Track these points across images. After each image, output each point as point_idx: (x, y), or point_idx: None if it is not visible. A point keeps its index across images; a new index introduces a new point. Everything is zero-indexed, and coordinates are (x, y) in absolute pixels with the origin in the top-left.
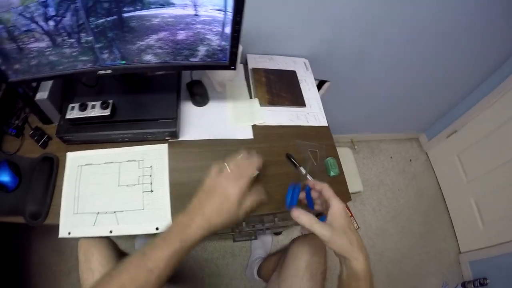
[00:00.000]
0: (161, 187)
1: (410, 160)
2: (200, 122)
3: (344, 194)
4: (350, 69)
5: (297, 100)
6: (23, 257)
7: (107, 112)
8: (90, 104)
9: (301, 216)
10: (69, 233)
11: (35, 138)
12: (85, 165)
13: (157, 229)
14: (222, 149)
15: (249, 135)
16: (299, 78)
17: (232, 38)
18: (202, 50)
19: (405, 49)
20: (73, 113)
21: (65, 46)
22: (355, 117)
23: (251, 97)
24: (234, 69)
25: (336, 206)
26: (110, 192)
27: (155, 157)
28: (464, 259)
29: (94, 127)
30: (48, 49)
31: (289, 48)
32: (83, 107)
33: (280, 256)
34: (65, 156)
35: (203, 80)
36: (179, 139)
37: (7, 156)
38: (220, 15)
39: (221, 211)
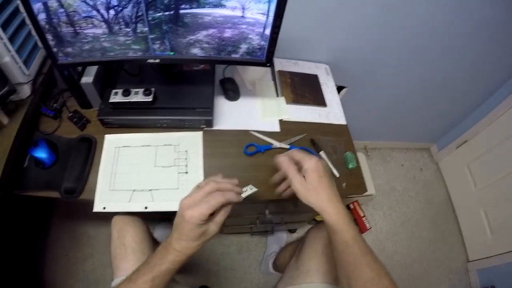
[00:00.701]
0: (196, 170)
1: (421, 169)
2: (232, 114)
3: (360, 186)
4: (365, 77)
5: (319, 100)
6: (39, 243)
7: (149, 99)
8: (133, 90)
9: (282, 159)
10: (104, 208)
11: (74, 120)
12: (123, 146)
13: None
14: (251, 138)
15: (276, 128)
16: (320, 81)
17: (271, 39)
18: (243, 47)
19: (417, 59)
20: (116, 97)
21: (120, 34)
22: (369, 124)
23: (277, 96)
24: (270, 66)
25: (308, 163)
26: (146, 172)
27: (190, 143)
28: (472, 267)
29: (135, 112)
30: (103, 36)
31: (312, 54)
32: (126, 93)
33: (297, 245)
34: (102, 138)
35: (235, 78)
36: (213, 128)
37: (45, 135)
38: (262, 18)
39: (182, 235)
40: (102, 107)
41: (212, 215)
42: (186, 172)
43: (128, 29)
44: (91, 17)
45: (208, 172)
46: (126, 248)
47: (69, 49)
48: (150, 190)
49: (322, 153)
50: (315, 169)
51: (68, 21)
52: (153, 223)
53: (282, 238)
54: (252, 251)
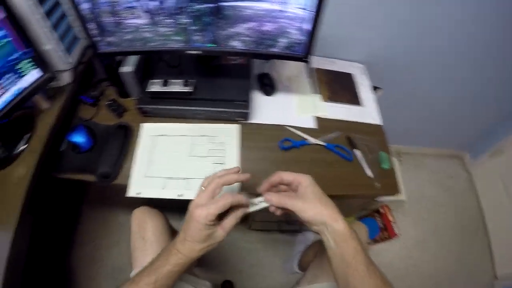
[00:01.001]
0: (231, 161)
1: (452, 177)
2: (268, 109)
3: (394, 186)
4: (401, 79)
5: (354, 99)
6: (68, 227)
7: (189, 89)
8: (172, 81)
9: (272, 198)
10: (138, 193)
11: (111, 108)
12: (160, 135)
13: None
14: (286, 133)
15: (312, 124)
16: (356, 81)
17: (310, 34)
18: (282, 41)
19: (456, 61)
20: (155, 87)
21: (161, 25)
22: (402, 127)
23: (313, 93)
24: (307, 61)
25: (303, 179)
26: (182, 160)
27: (226, 134)
28: (499, 285)
29: (173, 102)
30: (144, 26)
31: (348, 53)
32: (166, 83)
33: (321, 243)
34: (139, 126)
35: (272, 74)
36: (248, 121)
37: (82, 121)
38: (302, 13)
39: (188, 236)
40: (141, 96)
41: (221, 219)
42: (222, 163)
43: (170, 20)
44: (133, 7)
45: (244, 165)
46: (146, 242)
47: (110, 39)
48: (185, 178)
49: (356, 151)
50: (314, 183)
51: (111, 11)
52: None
53: (308, 237)
54: (279, 249)
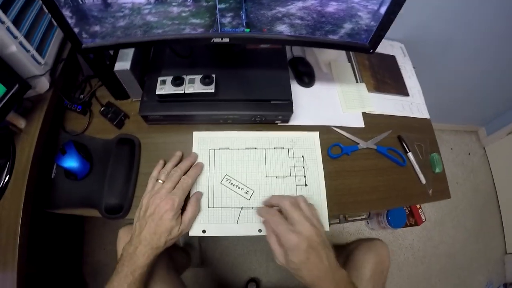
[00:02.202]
0: (316, 181)
1: (469, 154)
2: (309, 105)
3: (444, 192)
4: (433, 57)
5: (401, 88)
6: (75, 239)
7: (211, 89)
8: (187, 78)
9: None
10: (204, 231)
11: (108, 116)
12: (220, 148)
13: None
14: (334, 137)
15: (360, 123)
16: (399, 64)
17: (386, 19)
18: (347, 27)
19: (489, 40)
20: (165, 87)
21: (173, 4)
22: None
23: (357, 81)
24: (373, 53)
25: (287, 241)
26: (258, 183)
27: (306, 145)
28: (509, 260)
29: (190, 105)
30: (147, 6)
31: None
32: (178, 81)
33: (342, 254)
34: (148, 137)
35: (308, 58)
36: (289, 124)
37: (73, 136)
38: None
39: (159, 232)
40: (145, 99)
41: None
42: (306, 185)
43: None
44: None
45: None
46: None
47: (97, 28)
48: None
49: (410, 154)
50: (296, 248)
51: None
52: None
53: None
54: None
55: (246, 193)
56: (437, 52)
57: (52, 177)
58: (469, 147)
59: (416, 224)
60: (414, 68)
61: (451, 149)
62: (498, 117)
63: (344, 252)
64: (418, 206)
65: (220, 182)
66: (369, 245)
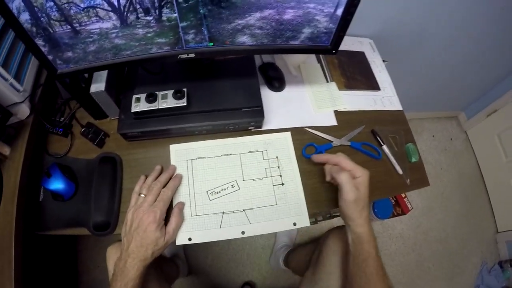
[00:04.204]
0: (292, 179)
1: (451, 139)
2: (280, 109)
3: (423, 180)
4: (406, 49)
5: (372, 83)
6: (68, 259)
7: (183, 103)
8: (159, 94)
9: (347, 163)
10: (190, 239)
11: (89, 136)
12: (196, 158)
13: (294, 224)
14: (307, 137)
15: (332, 121)
16: (368, 59)
17: (343, 21)
18: (306, 32)
19: (458, 31)
20: (140, 105)
21: (138, 26)
22: (402, 96)
23: (327, 81)
24: (335, 53)
25: (362, 173)
26: (235, 187)
27: (279, 146)
28: (501, 239)
29: (164, 120)
30: (113, 31)
31: (355, 27)
32: (151, 98)
33: (312, 250)
34: (127, 153)
35: (277, 63)
36: (262, 129)
37: (57, 159)
38: None
39: (145, 244)
40: (122, 118)
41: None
42: (282, 184)
43: (149, 18)
44: (94, 7)
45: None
46: None
47: (69, 54)
48: (243, 210)
49: (385, 147)
50: (367, 182)
51: (61, 17)
52: None
53: (292, 230)
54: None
55: (226, 197)
56: (410, 44)
57: (40, 200)
58: (450, 133)
59: (403, 213)
60: (384, 62)
61: (433, 136)
62: (476, 101)
63: (318, 245)
64: (403, 195)
65: (200, 190)
66: (339, 232)
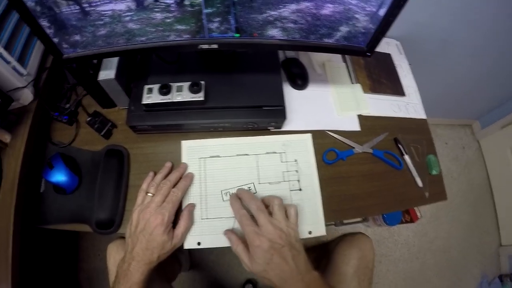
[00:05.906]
0: (310, 185)
1: (463, 148)
2: (303, 109)
3: (441, 194)
4: (430, 54)
5: (397, 88)
6: (70, 247)
7: (200, 97)
8: (174, 85)
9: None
10: (199, 243)
11: (95, 126)
12: (210, 157)
13: (310, 233)
14: (328, 141)
15: (356, 126)
16: (394, 63)
17: (385, 22)
18: (343, 30)
19: (489, 38)
20: (152, 96)
21: (156, 10)
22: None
23: (352, 82)
24: (370, 56)
25: (254, 241)
26: (250, 191)
27: (298, 149)
28: (503, 252)
29: (178, 114)
30: (128, 14)
31: None
32: (165, 90)
33: (320, 256)
34: (136, 147)
35: (301, 59)
36: (281, 129)
37: (60, 148)
38: None
39: (151, 247)
40: (132, 109)
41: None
42: (300, 189)
43: (169, 1)
44: None
45: None
46: None
47: (77, 37)
48: None
49: (406, 157)
50: (259, 248)
51: None
52: None
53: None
54: None
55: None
56: (435, 49)
57: (41, 191)
58: (463, 141)
59: (412, 221)
60: (409, 65)
61: (446, 143)
62: (492, 111)
63: (327, 251)
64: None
65: (213, 190)
66: (350, 241)
